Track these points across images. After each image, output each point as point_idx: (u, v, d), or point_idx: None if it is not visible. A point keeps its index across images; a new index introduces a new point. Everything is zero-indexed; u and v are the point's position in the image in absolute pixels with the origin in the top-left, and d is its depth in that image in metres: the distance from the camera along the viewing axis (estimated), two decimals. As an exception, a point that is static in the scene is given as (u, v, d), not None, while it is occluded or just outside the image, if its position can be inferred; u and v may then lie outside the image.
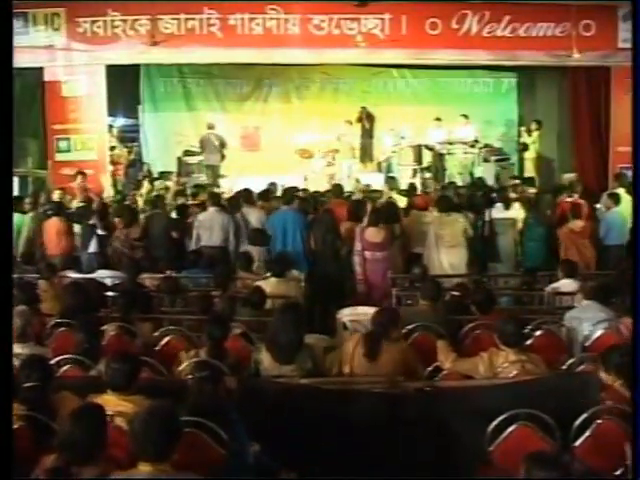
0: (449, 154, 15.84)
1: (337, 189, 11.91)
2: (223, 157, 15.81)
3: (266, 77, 18.12)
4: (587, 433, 4.52)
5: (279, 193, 12.04)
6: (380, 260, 9.07)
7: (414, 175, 16.02)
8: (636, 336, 4.68)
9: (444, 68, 16.64)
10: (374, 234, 9.10)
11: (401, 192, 12.38)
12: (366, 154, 17.57)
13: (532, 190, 12.54)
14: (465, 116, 16.30)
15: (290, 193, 10.67)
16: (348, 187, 14.03)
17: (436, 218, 9.82)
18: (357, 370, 5.69)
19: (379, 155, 17.36)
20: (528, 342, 6.02)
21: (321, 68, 17.34)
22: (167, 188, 12.63)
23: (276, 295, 7.54)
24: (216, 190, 12.20)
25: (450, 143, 16.01)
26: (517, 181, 13.32)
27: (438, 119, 16.41)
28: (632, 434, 4.21)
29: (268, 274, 8.33)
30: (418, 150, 16.31)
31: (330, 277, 9.32)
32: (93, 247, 10.13)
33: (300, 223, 9.90)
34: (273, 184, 12.63)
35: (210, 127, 15.87)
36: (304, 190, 12.58)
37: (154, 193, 12.56)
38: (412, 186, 13.24)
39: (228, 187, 13.47)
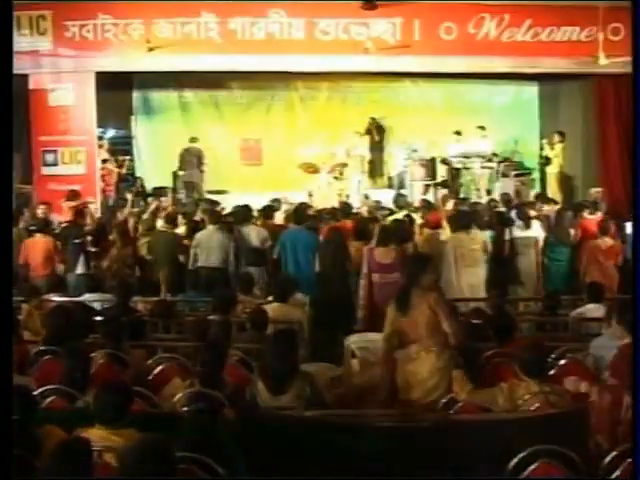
0: (465, 169, 15.87)
1: (345, 207, 11.92)
2: (202, 173, 15.95)
3: (268, 86, 18.21)
4: (617, 472, 4.45)
5: (283, 210, 12.08)
6: (390, 283, 9.02)
7: (427, 191, 16.07)
8: (636, 337, 4.73)
9: (460, 76, 16.68)
10: (383, 254, 9.07)
11: (412, 209, 12.38)
12: (376, 169, 17.63)
13: (554, 207, 12.55)
14: (482, 128, 16.35)
15: (301, 211, 10.71)
16: (357, 204, 14.08)
17: (454, 236, 9.81)
18: (391, 325, 6.18)
19: (390, 170, 17.41)
20: (551, 372, 6.00)
21: (327, 76, 17.41)
22: (164, 208, 12.67)
23: (279, 320, 7.54)
24: (215, 207, 12.21)
25: (466, 157, 16.06)
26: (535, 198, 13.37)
27: (458, 132, 16.44)
28: (632, 433, 4.26)
29: (270, 298, 8.35)
30: (432, 164, 16.34)
31: (338, 301, 9.31)
32: (81, 268, 10.15)
33: (313, 243, 10.01)
34: (277, 200, 12.65)
35: (192, 140, 16.04)
36: (310, 207, 12.61)
37: (150, 208, 12.57)
38: (426, 203, 13.25)
39: (228, 204, 13.49)
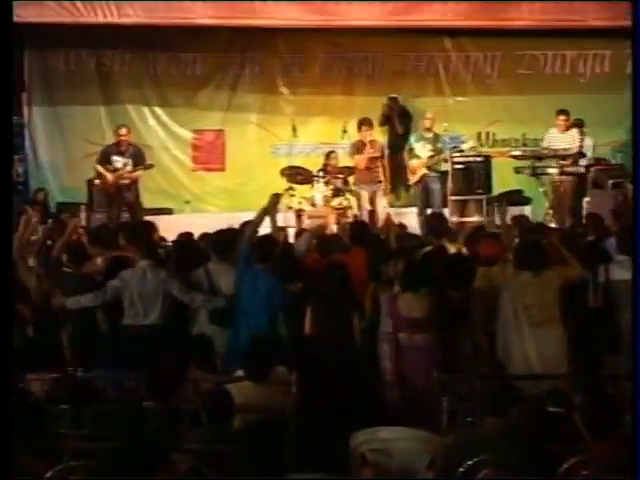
0: (536, 175, 15.87)
1: (354, 231, 11.88)
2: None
3: (236, 50, 18.23)
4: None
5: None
6: (421, 348, 9.05)
7: (476, 209, 16.09)
8: (636, 331, 5.39)
9: (526, 35, 16.77)
10: (412, 304, 9.07)
11: (452, 238, 12.38)
12: (398, 176, 17.60)
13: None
14: (565, 112, 16.33)
15: (266, 244, 10.61)
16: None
17: (516, 279, 9.82)
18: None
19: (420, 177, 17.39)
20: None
21: (326, 36, 17.48)
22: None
23: (251, 407, 7.54)
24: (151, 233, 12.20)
25: (537, 157, 16.05)
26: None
27: (563, 112, 16.34)
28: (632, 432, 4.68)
29: (239, 373, 8.33)
30: (484, 168, 16.35)
31: (339, 378, 9.29)
32: None
33: (278, 292, 9.97)
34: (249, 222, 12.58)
35: (120, 133, 16.15)
36: (299, 234, 12.57)
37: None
38: (475, 229, 13.24)
39: (172, 228, 13.51)
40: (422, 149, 16.69)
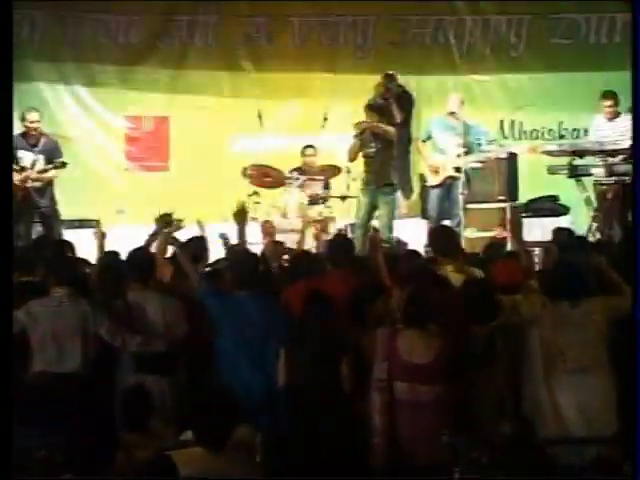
0: (576, 176, 15.86)
1: (340, 248, 11.84)
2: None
3: (183, 12, 18.23)
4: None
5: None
6: (426, 403, 8.99)
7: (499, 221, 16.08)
8: (636, 332, 6.27)
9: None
10: (416, 345, 9.03)
11: (465, 257, 12.35)
12: (396, 178, 17.54)
13: None
14: (611, 95, 16.33)
15: (250, 262, 10.56)
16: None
17: (548, 311, 9.76)
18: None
19: (427, 179, 17.33)
20: None
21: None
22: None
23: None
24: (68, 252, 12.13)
25: (578, 153, 16.03)
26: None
27: (609, 95, 16.29)
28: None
29: (187, 436, 8.24)
30: (510, 166, 16.35)
31: (321, 437, 9.21)
32: None
33: (282, 322, 9.99)
34: (200, 239, 12.53)
35: (29, 120, 16.14)
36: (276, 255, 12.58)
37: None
38: (493, 246, 13.22)
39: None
40: (448, 142, 16.64)
